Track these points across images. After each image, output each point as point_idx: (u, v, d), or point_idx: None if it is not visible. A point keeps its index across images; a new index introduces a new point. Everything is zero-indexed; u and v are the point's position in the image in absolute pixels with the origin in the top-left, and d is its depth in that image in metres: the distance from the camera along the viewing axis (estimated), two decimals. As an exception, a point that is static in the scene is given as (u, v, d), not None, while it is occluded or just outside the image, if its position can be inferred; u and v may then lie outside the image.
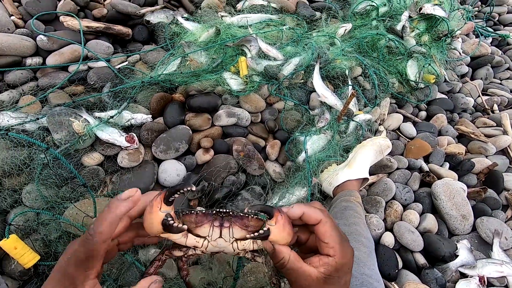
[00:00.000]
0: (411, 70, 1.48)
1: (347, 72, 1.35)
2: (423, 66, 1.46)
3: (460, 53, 1.69)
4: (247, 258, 0.45)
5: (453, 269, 0.85)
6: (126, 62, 1.25)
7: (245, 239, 0.42)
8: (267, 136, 1.18)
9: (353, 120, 1.20)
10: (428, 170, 1.15)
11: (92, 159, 0.95)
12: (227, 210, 0.42)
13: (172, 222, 0.38)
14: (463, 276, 0.86)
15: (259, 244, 0.42)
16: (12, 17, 1.21)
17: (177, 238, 0.41)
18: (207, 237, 0.42)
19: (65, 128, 0.91)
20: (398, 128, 1.35)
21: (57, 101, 1.04)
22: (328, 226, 0.41)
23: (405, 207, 1.04)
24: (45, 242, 0.82)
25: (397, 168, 1.14)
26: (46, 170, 0.85)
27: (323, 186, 1.04)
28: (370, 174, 1.04)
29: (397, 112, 1.41)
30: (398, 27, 1.56)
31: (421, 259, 0.90)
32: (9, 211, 0.84)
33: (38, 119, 0.96)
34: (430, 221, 0.97)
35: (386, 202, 1.03)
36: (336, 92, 1.28)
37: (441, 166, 1.19)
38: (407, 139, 1.30)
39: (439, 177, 1.12)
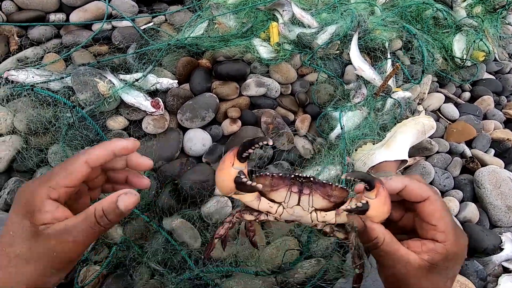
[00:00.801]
0: (458, 45, 1.33)
1: (386, 44, 1.23)
2: (474, 41, 1.31)
3: (515, 29, 1.52)
4: (325, 232, 0.40)
5: (496, 263, 0.79)
6: (152, 23, 1.18)
7: (329, 209, 0.37)
8: (297, 110, 1.11)
9: (391, 97, 1.11)
10: (471, 155, 1.06)
11: (117, 123, 0.91)
12: (308, 176, 0.38)
13: (245, 180, 0.35)
14: (506, 271, 0.80)
15: (344, 218, 0.37)
16: (35, -31, 1.15)
17: (249, 200, 0.38)
18: (282, 203, 0.39)
19: (90, 89, 0.88)
20: (439, 109, 1.24)
21: (81, 61, 0.99)
22: (439, 206, 0.34)
23: (443, 193, 0.97)
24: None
25: (437, 152, 1.05)
26: (72, 130, 0.83)
27: (356, 165, 0.97)
28: (409, 156, 0.96)
29: (438, 91, 1.30)
30: (448, -4, 1.40)
31: (459, 250, 0.84)
32: (36, 170, 0.83)
33: (62, 78, 0.92)
34: (472, 210, 0.90)
35: (423, 187, 0.96)
36: (375, 66, 1.18)
37: (485, 152, 1.09)
38: (449, 121, 1.20)
39: (483, 164, 1.03)
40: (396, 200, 0.38)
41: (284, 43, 1.16)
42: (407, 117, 1.05)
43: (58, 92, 0.88)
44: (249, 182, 0.36)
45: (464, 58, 1.31)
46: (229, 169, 0.36)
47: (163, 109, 0.94)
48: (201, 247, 0.83)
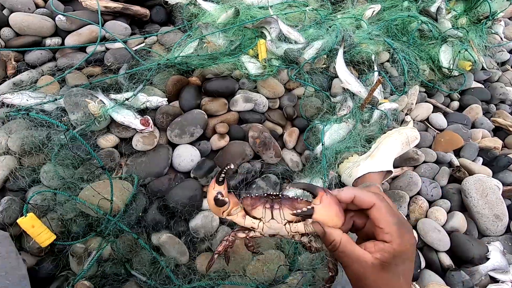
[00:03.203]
0: (445, 56, 1.36)
1: (373, 57, 1.26)
2: (459, 52, 1.34)
3: (501, 38, 1.54)
4: (303, 242, 0.46)
5: (482, 273, 0.78)
6: (143, 44, 1.23)
7: (299, 221, 0.43)
8: (285, 123, 1.13)
9: (377, 109, 1.12)
10: (458, 164, 1.06)
11: (108, 141, 0.94)
12: (277, 193, 0.45)
13: (220, 197, 0.43)
14: (494, 281, 0.79)
15: (311, 227, 0.43)
16: (33, -3, 1.21)
17: (236, 219, 0.45)
18: (261, 218, 0.45)
19: (81, 109, 0.91)
20: (427, 119, 1.26)
21: (74, 82, 1.03)
22: (383, 211, 0.39)
23: (431, 203, 0.97)
24: (61, 222, 0.82)
25: (424, 162, 1.06)
26: (63, 150, 0.86)
27: (342, 177, 0.98)
28: (394, 166, 0.97)
29: (426, 101, 1.31)
30: (433, 9, 1.43)
31: (446, 260, 0.84)
32: (28, 190, 0.85)
33: (56, 99, 0.96)
34: (459, 220, 0.90)
35: (410, 197, 0.97)
36: (361, 79, 1.20)
37: (473, 161, 1.10)
38: (437, 131, 1.21)
39: (471, 172, 1.03)
40: (356, 209, 0.42)
41: (272, 59, 1.20)
42: (393, 128, 1.06)
43: (51, 114, 0.91)
44: (221, 198, 0.43)
45: (451, 68, 1.33)
46: (211, 192, 0.44)
47: (153, 126, 0.97)
48: (189, 261, 0.84)
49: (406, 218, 0.92)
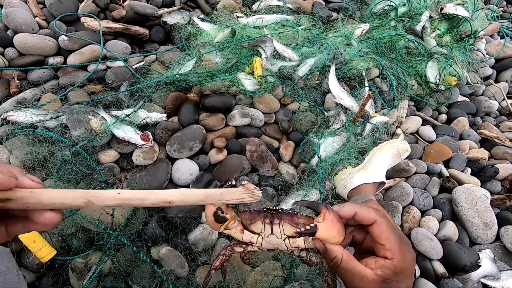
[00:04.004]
0: (431, 71, 1.43)
1: (363, 73, 1.32)
2: (444, 68, 1.41)
3: (483, 55, 1.63)
4: (301, 257, 0.46)
5: (474, 280, 0.80)
6: (143, 62, 1.28)
7: (295, 236, 0.42)
8: (281, 137, 1.17)
9: (369, 122, 1.17)
10: (448, 175, 1.10)
11: (108, 156, 0.96)
12: (277, 208, 0.44)
13: (219, 213, 0.42)
14: (486, 287, 0.82)
15: (311, 242, 0.42)
16: (36, 18, 1.26)
17: (234, 233, 0.45)
18: (260, 233, 0.44)
19: (83, 126, 0.94)
20: (417, 131, 1.31)
21: (76, 99, 1.06)
22: (384, 227, 0.39)
23: (423, 213, 1.00)
24: (61, 237, 0.83)
25: (416, 173, 1.10)
26: (65, 165, 0.88)
27: (337, 189, 1.02)
28: (387, 178, 1.01)
29: (415, 115, 1.37)
30: (418, 28, 1.51)
31: (440, 268, 0.86)
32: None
33: (58, 116, 0.98)
34: (450, 229, 0.93)
35: (403, 208, 1.00)
36: (352, 94, 1.26)
37: (462, 171, 1.14)
38: (426, 143, 1.26)
39: (460, 182, 1.07)
40: (357, 224, 0.42)
41: (267, 75, 1.25)
42: (385, 141, 1.10)
43: (53, 130, 0.94)
44: (222, 215, 0.43)
45: (438, 83, 1.40)
46: (210, 208, 0.44)
47: (152, 141, 1.00)
48: (189, 274, 0.85)
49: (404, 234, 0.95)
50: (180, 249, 0.84)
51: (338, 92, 1.21)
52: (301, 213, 0.44)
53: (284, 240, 0.44)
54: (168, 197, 0.35)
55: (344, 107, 1.20)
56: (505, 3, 2.21)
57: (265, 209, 0.45)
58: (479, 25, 1.62)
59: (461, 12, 1.52)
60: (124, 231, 0.84)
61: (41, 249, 0.76)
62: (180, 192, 0.36)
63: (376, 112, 1.27)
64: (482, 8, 1.74)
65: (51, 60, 1.18)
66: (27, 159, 0.86)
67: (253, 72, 1.23)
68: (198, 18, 1.42)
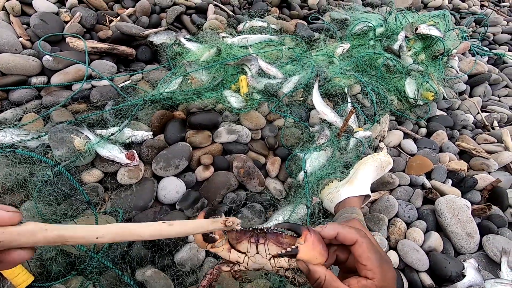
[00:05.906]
0: (410, 87, 1.50)
1: (346, 89, 1.37)
2: (421, 84, 1.48)
3: (457, 71, 1.72)
4: (287, 277, 0.46)
5: (461, 290, 0.81)
6: (129, 81, 1.28)
7: (279, 256, 0.43)
8: (268, 153, 1.18)
9: (353, 137, 1.21)
10: (430, 186, 1.13)
11: (92, 176, 0.94)
12: (262, 228, 0.44)
13: (210, 234, 0.43)
14: (472, 297, 0.83)
15: (295, 263, 0.43)
16: (20, 39, 1.25)
17: (221, 252, 0.45)
18: (246, 252, 0.45)
19: (66, 145, 0.92)
20: (399, 145, 1.35)
21: (59, 119, 1.05)
22: (365, 247, 0.40)
23: (408, 224, 1.02)
24: (40, 262, 0.80)
25: (399, 185, 1.12)
26: (46, 186, 0.85)
27: (324, 203, 1.02)
28: (372, 191, 1.03)
29: (397, 129, 1.42)
30: (395, 47, 1.60)
31: (427, 279, 0.87)
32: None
33: (40, 136, 0.96)
34: (435, 239, 0.95)
35: (389, 220, 1.01)
36: (336, 110, 1.29)
37: (443, 182, 1.17)
38: (408, 156, 1.30)
39: (442, 193, 1.10)
40: (339, 244, 0.43)
41: (253, 93, 1.28)
42: (368, 155, 1.13)
43: (35, 150, 0.92)
44: (211, 235, 0.43)
45: (416, 98, 1.47)
46: None
47: (138, 160, 0.99)
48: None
49: (385, 252, 0.95)
50: (167, 271, 0.82)
51: (322, 108, 1.24)
52: (285, 232, 0.44)
53: (269, 260, 0.44)
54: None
55: (328, 122, 1.23)
56: (474, 24, 2.37)
57: (251, 228, 0.45)
58: (451, 44, 1.73)
59: (434, 32, 1.62)
60: (107, 253, 0.81)
61: (18, 275, 0.73)
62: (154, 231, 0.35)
63: (359, 126, 1.31)
64: (453, 29, 1.86)
65: (34, 80, 1.16)
66: (6, 181, 0.83)
67: (239, 89, 1.26)
68: (185, 38, 1.46)
